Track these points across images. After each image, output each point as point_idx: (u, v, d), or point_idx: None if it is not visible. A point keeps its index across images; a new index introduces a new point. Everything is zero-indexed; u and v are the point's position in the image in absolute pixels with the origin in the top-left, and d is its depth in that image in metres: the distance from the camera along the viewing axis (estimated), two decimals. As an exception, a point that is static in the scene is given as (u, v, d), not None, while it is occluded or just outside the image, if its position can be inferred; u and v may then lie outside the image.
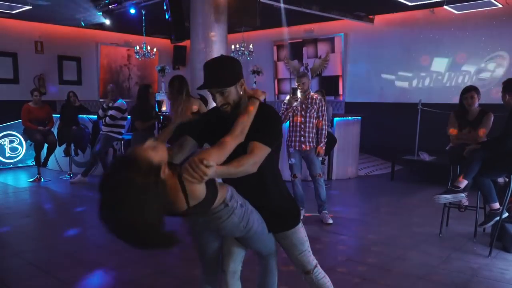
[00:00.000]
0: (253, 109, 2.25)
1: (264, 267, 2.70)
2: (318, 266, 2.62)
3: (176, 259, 4.42)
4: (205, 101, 6.15)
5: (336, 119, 8.43)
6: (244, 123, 2.18)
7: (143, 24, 9.57)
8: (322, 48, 11.36)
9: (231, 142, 2.09)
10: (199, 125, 2.51)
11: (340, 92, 11.19)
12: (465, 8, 8.45)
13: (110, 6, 8.47)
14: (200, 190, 1.98)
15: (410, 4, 8.41)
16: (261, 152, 2.19)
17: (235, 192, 2.25)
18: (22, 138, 9.33)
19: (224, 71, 2.28)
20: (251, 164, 2.13)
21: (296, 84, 5.61)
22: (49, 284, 3.82)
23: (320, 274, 2.62)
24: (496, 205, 4.57)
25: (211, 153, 1.97)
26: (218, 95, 2.27)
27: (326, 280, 2.66)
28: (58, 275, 3.99)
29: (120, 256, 4.48)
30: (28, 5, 8.31)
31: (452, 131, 5.00)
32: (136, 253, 4.54)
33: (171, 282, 3.88)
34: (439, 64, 9.55)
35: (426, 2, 8.30)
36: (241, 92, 2.33)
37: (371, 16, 10.26)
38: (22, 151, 9.80)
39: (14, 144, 9.70)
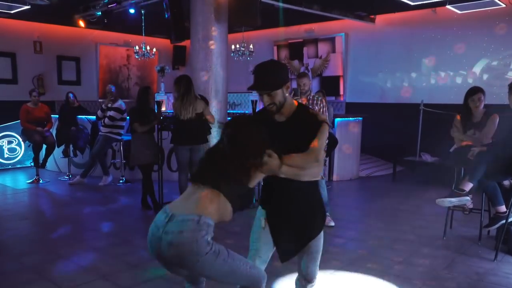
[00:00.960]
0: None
1: None
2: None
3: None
4: (206, 102, 6.11)
5: (337, 119, 8.35)
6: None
7: (143, 24, 9.48)
8: (323, 48, 11.28)
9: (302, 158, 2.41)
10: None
11: (341, 92, 11.11)
12: (468, 7, 8.37)
13: (109, 6, 8.39)
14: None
15: (412, 3, 8.34)
16: (320, 150, 2.44)
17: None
18: (20, 139, 9.26)
19: (272, 76, 2.52)
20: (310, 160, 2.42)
21: (297, 84, 5.53)
22: (46, 289, 3.75)
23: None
24: (502, 208, 4.50)
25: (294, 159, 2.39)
26: (266, 96, 2.51)
27: None
28: (55, 279, 3.91)
29: (118, 260, 4.42)
30: (27, 5, 8.22)
31: (464, 142, 4.88)
32: (136, 257, 4.48)
33: (170, 287, 3.80)
34: (441, 64, 9.47)
35: (428, 1, 8.23)
36: (287, 94, 2.55)
37: (372, 16, 10.19)
38: (21, 152, 9.74)
39: (13, 145, 9.65)
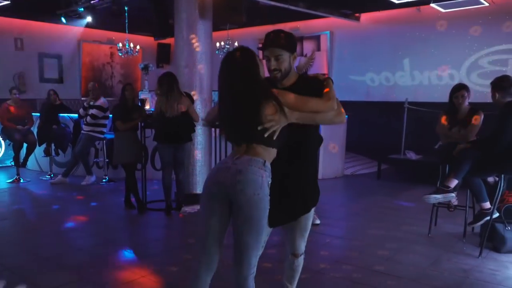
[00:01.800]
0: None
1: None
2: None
3: (164, 265, 4.27)
4: (192, 99, 6.03)
5: (322, 118, 8.32)
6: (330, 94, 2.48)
7: (126, 21, 9.37)
8: (308, 46, 11.27)
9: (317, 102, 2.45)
10: None
11: (326, 90, 11.08)
12: (451, 6, 8.43)
13: (91, 2, 8.26)
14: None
15: (396, 2, 8.38)
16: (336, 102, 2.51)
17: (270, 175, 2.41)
18: (0, 138, 9.07)
19: (285, 37, 2.54)
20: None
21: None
22: (26, 291, 3.65)
23: (302, 260, 2.98)
24: (487, 205, 4.51)
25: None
26: (273, 60, 2.51)
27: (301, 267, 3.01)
28: (36, 281, 3.81)
29: (100, 260, 4.33)
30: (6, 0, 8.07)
31: (443, 140, 4.90)
32: (119, 258, 4.40)
33: (153, 287, 3.73)
34: (426, 62, 9.51)
35: (413, 0, 8.26)
36: (292, 65, 2.58)
37: (357, 14, 10.20)
38: (1, 151, 9.54)
39: (-7, 144, 9.45)
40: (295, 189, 2.65)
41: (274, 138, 2.36)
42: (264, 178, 2.32)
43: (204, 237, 2.43)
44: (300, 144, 2.61)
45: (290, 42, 2.56)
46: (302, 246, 2.90)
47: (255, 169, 2.31)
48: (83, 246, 4.78)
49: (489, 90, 4.63)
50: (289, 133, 2.45)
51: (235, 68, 2.38)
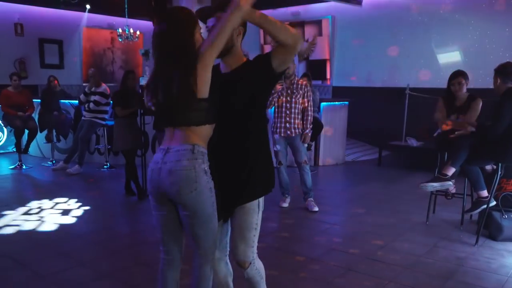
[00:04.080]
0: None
1: (198, 271, 2.32)
2: (255, 262, 2.43)
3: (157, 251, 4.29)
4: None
5: (323, 104, 8.31)
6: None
7: (126, 6, 9.31)
8: (309, 31, 11.18)
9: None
10: None
11: (328, 76, 11.05)
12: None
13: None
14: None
15: (398, -14, 8.27)
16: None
17: (206, 159, 2.21)
18: (1, 124, 9.10)
19: (223, 3, 2.16)
20: (289, 30, 2.17)
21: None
22: (24, 277, 3.69)
23: (257, 273, 2.47)
24: (484, 193, 4.51)
25: None
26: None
27: (259, 275, 2.50)
28: (34, 267, 3.85)
29: (99, 247, 4.38)
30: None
31: (444, 127, 4.86)
32: (117, 244, 4.44)
33: (150, 273, 3.76)
34: (428, 48, 9.42)
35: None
36: (236, 41, 2.29)
37: (359, -2, 10.10)
38: (3, 137, 9.58)
39: (-6, 130, 9.49)
40: (233, 176, 2.35)
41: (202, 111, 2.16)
42: (197, 169, 2.15)
43: (162, 236, 2.37)
44: (242, 126, 2.33)
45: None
46: (245, 252, 2.37)
47: (185, 163, 2.15)
48: (83, 232, 4.82)
49: (490, 75, 4.60)
50: (229, 116, 2.26)
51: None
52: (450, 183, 4.60)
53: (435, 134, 5.12)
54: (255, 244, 2.40)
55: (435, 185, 4.59)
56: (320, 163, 8.52)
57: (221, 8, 2.19)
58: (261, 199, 2.42)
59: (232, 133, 2.32)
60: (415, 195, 6.05)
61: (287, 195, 5.75)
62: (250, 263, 2.38)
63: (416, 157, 8.54)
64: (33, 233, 4.77)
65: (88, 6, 8.78)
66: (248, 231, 2.35)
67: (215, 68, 2.28)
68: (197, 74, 2.09)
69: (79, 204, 5.91)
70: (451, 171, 4.54)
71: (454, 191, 4.98)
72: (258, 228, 2.40)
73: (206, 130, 2.21)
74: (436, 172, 4.81)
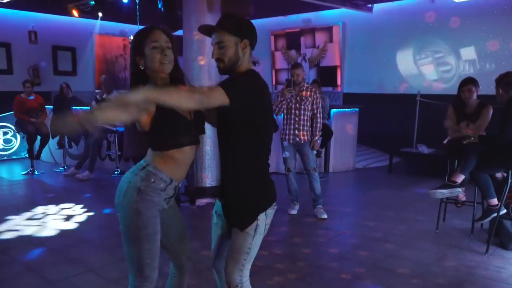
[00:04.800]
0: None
1: None
2: (243, 286, 2.28)
3: (165, 258, 4.30)
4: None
5: (333, 110, 8.29)
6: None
7: (137, 14, 9.39)
8: (320, 37, 11.18)
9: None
10: None
11: (338, 82, 11.02)
12: (465, -4, 8.29)
13: (102, -5, 8.31)
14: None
15: (409, -8, 8.25)
16: (212, 92, 1.99)
17: (163, 180, 2.15)
18: (15, 130, 9.22)
19: (231, 19, 2.18)
20: (188, 96, 1.94)
21: (290, 75, 5.47)
22: (33, 283, 3.73)
23: None
24: (494, 201, 4.45)
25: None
26: (216, 47, 2.16)
27: None
28: (44, 273, 3.89)
29: (108, 253, 4.40)
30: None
31: (451, 134, 4.83)
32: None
33: (159, 280, 3.77)
34: (439, 54, 9.37)
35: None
36: (241, 55, 2.18)
37: (369, 5, 10.06)
38: (16, 143, 9.71)
39: (8, 136, 9.62)
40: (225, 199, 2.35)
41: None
42: (132, 184, 2.11)
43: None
44: (226, 142, 2.26)
45: (233, 26, 2.16)
46: (232, 273, 2.25)
47: (127, 175, 2.17)
48: (92, 238, 4.85)
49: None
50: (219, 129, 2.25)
51: None
52: (460, 190, 4.55)
53: (445, 142, 5.08)
54: (245, 268, 2.27)
55: (444, 192, 4.55)
56: (330, 169, 8.49)
57: (221, 26, 2.17)
58: (261, 223, 2.25)
59: (222, 152, 2.31)
60: (425, 203, 6.00)
61: (296, 202, 5.74)
62: (237, 286, 2.25)
63: (427, 164, 8.47)
64: (42, 238, 4.82)
65: (100, 14, 8.87)
66: (238, 254, 2.24)
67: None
68: None
69: (88, 209, 5.95)
70: (461, 178, 4.50)
71: (464, 199, 4.94)
72: (252, 253, 2.27)
73: (164, 154, 2.15)
74: (446, 179, 4.76)
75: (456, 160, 4.84)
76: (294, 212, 5.68)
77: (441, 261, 4.15)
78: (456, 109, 4.89)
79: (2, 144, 9.55)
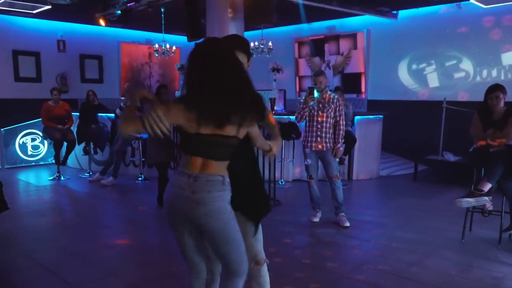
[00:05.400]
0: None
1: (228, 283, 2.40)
2: None
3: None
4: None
5: (357, 117, 8.21)
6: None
7: (163, 22, 9.52)
8: (344, 44, 11.12)
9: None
10: None
11: (363, 89, 10.93)
12: (493, 1, 8.13)
13: (128, 5, 8.44)
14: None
15: (435, -2, 8.15)
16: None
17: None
18: (42, 137, 9.41)
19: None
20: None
21: (313, 83, 5.45)
22: (54, 287, 3.77)
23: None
24: (522, 211, 4.33)
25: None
26: None
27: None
28: (65, 277, 3.93)
29: (130, 258, 4.43)
30: (47, 5, 8.35)
31: (480, 142, 4.71)
32: (147, 256, 4.48)
33: (180, 286, 3.78)
34: (466, 60, 9.21)
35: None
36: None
37: (394, 12, 9.97)
38: (44, 149, 9.91)
39: (36, 142, 9.84)
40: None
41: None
42: (225, 201, 2.24)
43: (184, 252, 2.42)
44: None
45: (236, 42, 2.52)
46: (262, 250, 2.63)
47: (216, 194, 2.20)
48: (114, 244, 4.90)
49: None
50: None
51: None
52: (486, 198, 4.45)
53: (470, 149, 4.97)
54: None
55: (471, 201, 4.45)
56: (354, 177, 8.40)
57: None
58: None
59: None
60: (451, 212, 5.87)
61: (318, 210, 5.69)
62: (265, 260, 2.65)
63: (454, 172, 8.30)
64: (66, 243, 4.89)
65: (126, 21, 9.03)
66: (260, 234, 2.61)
67: None
68: None
69: (112, 215, 6.02)
70: (487, 186, 4.39)
71: (491, 208, 4.81)
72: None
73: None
74: (472, 187, 4.66)
75: (482, 168, 4.73)
76: (316, 219, 5.63)
77: (466, 271, 4.05)
78: (481, 116, 4.79)
79: (30, 150, 9.77)
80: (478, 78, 9.06)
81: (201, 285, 2.49)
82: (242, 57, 2.42)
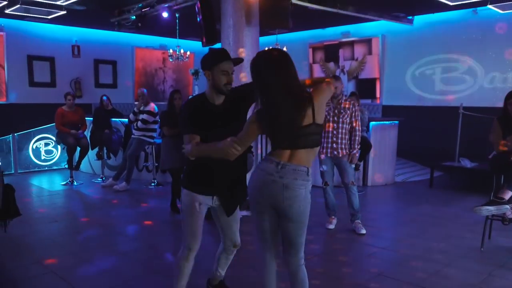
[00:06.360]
0: None
1: (294, 274, 2.68)
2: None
3: (200, 271, 4.26)
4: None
5: (372, 123, 8.12)
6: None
7: (177, 27, 9.53)
8: (359, 50, 11.05)
9: None
10: None
11: (377, 95, 10.84)
12: (510, 7, 7.99)
13: (143, 10, 8.45)
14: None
15: (451, 3, 8.03)
16: None
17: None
18: (55, 142, 9.45)
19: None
20: (223, 150, 2.62)
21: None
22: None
23: None
24: (544, 219, 4.22)
25: None
26: (230, 72, 2.95)
27: None
28: (77, 284, 3.90)
29: (142, 265, 4.38)
30: (62, 10, 8.41)
31: (502, 147, 4.59)
32: (160, 263, 4.43)
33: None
34: (482, 66, 9.08)
35: (468, 1, 7.90)
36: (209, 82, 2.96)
37: (410, 17, 9.88)
38: (57, 154, 9.95)
39: (49, 147, 9.88)
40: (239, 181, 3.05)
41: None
42: (307, 189, 2.53)
43: (263, 236, 2.70)
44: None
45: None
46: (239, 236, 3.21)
47: (300, 182, 2.49)
48: (127, 250, 4.85)
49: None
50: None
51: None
52: (507, 207, 4.34)
53: (490, 156, 4.86)
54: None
55: (491, 209, 4.34)
56: (369, 183, 8.30)
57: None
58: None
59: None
60: (469, 219, 5.75)
61: (333, 217, 5.61)
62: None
63: (470, 178, 8.17)
64: (78, 249, 4.86)
65: (141, 26, 9.06)
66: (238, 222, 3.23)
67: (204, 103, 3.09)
68: None
69: (125, 221, 5.99)
70: (508, 194, 4.29)
71: (511, 216, 4.69)
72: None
73: (314, 152, 2.59)
74: (492, 195, 4.55)
75: (502, 176, 4.62)
76: (331, 226, 5.55)
77: (486, 281, 3.93)
78: (502, 123, 4.68)
79: (43, 155, 9.81)
80: (494, 84, 8.92)
81: (274, 265, 2.77)
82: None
